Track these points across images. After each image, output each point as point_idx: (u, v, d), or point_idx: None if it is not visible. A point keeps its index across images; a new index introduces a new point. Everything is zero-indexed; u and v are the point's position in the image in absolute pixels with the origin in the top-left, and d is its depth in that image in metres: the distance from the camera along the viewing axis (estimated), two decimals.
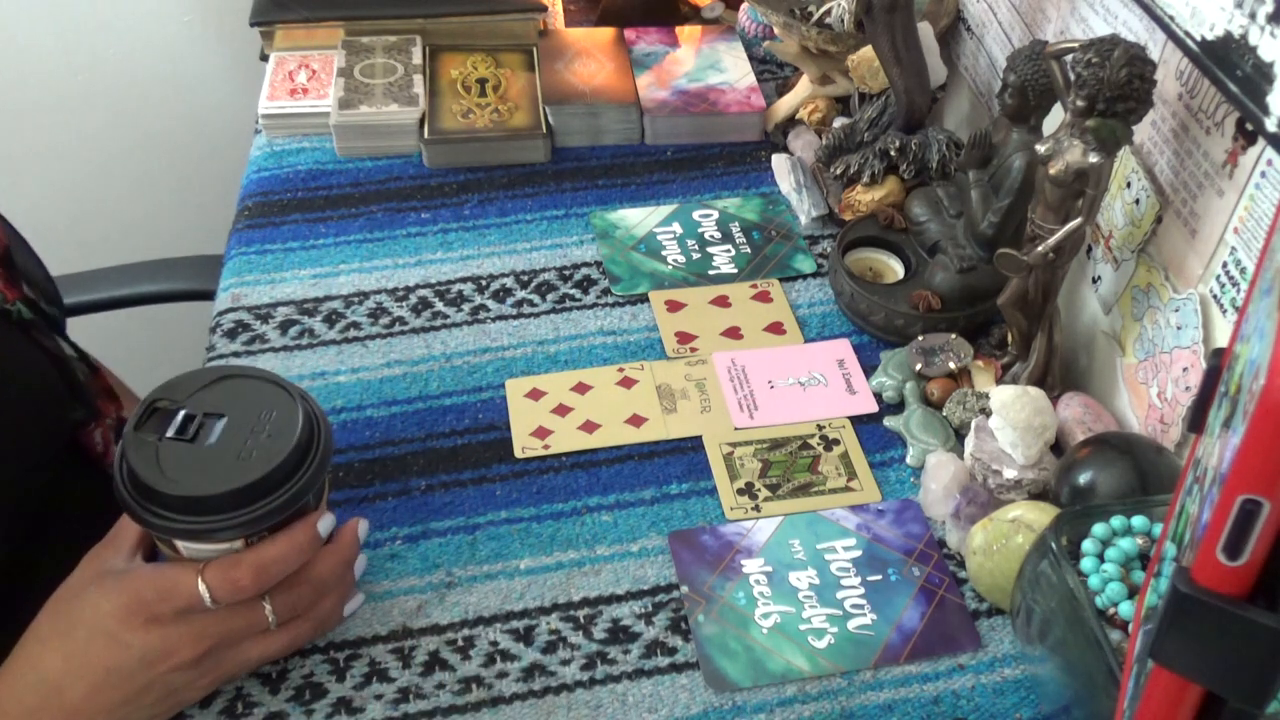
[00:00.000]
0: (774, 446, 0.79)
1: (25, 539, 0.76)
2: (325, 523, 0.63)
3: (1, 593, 0.73)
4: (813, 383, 0.84)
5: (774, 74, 1.16)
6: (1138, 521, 0.61)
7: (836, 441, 0.80)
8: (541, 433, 0.80)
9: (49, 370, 0.81)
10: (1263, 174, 0.63)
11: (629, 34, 1.18)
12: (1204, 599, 0.36)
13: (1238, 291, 0.66)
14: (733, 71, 1.12)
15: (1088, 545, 0.60)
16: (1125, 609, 0.57)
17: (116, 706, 0.59)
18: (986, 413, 0.77)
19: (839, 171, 0.96)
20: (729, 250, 0.96)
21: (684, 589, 0.70)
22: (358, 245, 0.96)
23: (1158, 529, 0.61)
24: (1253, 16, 0.56)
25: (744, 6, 1.20)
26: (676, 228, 0.98)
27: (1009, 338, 0.82)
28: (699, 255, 0.95)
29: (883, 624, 0.69)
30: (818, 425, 0.81)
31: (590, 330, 0.89)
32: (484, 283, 0.92)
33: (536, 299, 0.91)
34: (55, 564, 0.64)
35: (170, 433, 0.60)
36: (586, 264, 0.94)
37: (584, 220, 0.99)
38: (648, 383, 0.84)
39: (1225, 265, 0.67)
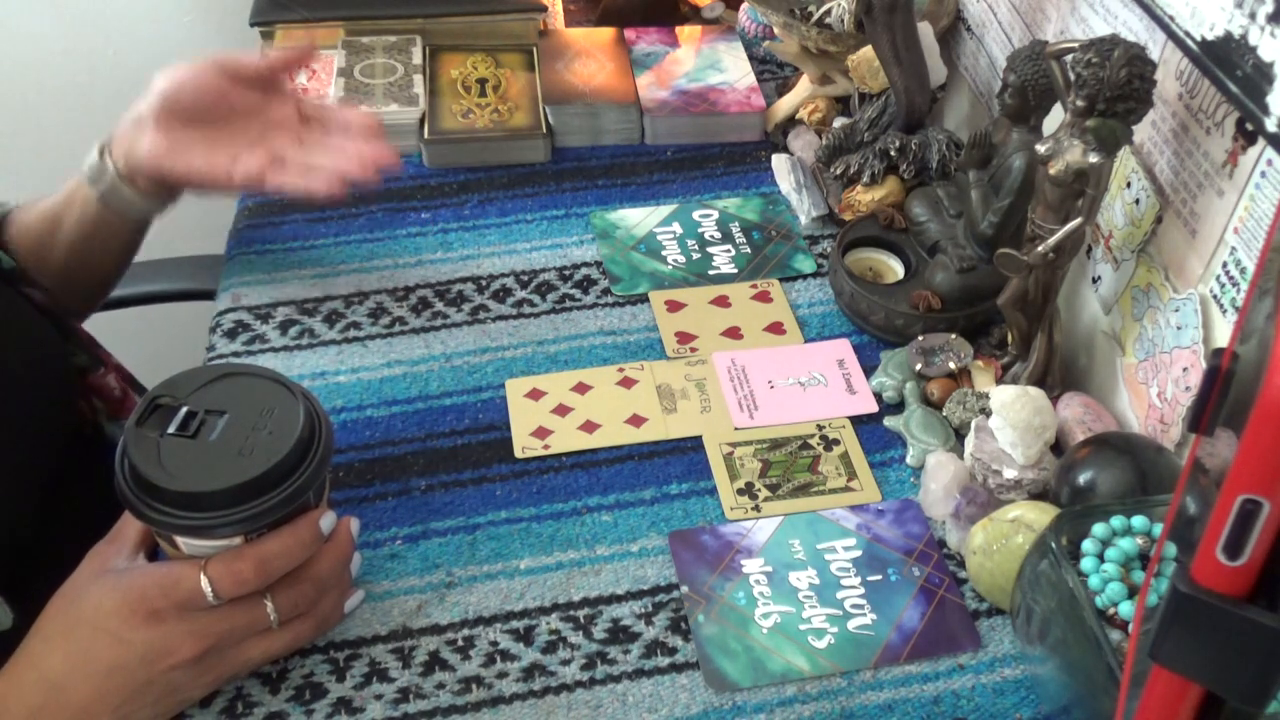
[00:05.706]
0: (774, 446, 0.79)
1: (46, 516, 0.75)
2: (327, 519, 0.63)
3: (26, 571, 0.71)
4: (813, 383, 0.84)
5: (774, 74, 1.16)
6: (1138, 521, 0.61)
7: (836, 441, 0.80)
8: (541, 433, 0.80)
9: (39, 319, 0.80)
10: (1263, 174, 0.63)
11: (629, 34, 1.18)
12: (1204, 599, 0.36)
13: (1238, 291, 0.66)
14: (733, 71, 1.12)
15: (1088, 545, 0.60)
16: (1125, 609, 0.57)
17: (119, 705, 0.59)
18: (986, 413, 0.77)
19: (839, 171, 0.96)
20: (729, 250, 0.96)
21: (684, 589, 0.70)
22: (358, 245, 0.96)
23: (1158, 529, 0.61)
24: (1253, 16, 0.56)
25: (744, 6, 1.20)
26: (676, 228, 0.98)
27: (1009, 338, 0.82)
28: (699, 255, 0.95)
29: (883, 624, 0.69)
30: (818, 425, 0.81)
31: (590, 330, 0.89)
32: (484, 283, 0.92)
33: (536, 299, 0.91)
34: (79, 542, 0.64)
35: (172, 429, 0.60)
36: (586, 264, 0.94)
37: (584, 220, 0.99)
38: (648, 383, 0.84)
39: (1225, 265, 0.67)
